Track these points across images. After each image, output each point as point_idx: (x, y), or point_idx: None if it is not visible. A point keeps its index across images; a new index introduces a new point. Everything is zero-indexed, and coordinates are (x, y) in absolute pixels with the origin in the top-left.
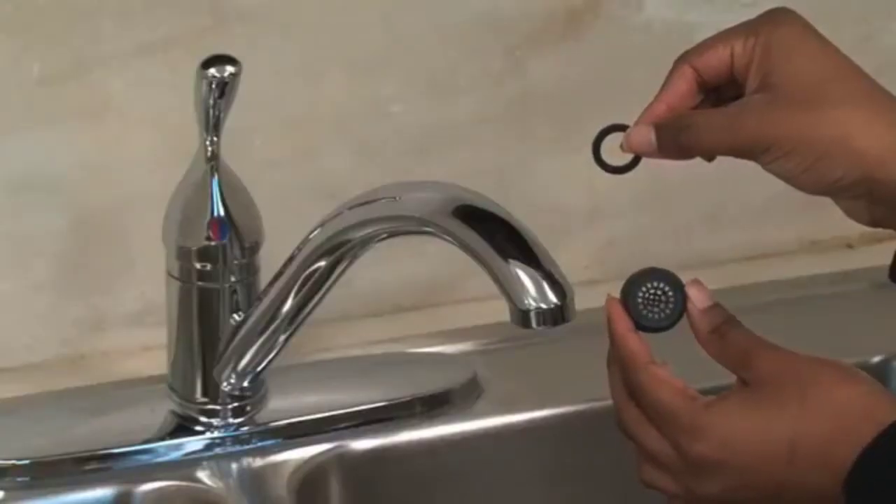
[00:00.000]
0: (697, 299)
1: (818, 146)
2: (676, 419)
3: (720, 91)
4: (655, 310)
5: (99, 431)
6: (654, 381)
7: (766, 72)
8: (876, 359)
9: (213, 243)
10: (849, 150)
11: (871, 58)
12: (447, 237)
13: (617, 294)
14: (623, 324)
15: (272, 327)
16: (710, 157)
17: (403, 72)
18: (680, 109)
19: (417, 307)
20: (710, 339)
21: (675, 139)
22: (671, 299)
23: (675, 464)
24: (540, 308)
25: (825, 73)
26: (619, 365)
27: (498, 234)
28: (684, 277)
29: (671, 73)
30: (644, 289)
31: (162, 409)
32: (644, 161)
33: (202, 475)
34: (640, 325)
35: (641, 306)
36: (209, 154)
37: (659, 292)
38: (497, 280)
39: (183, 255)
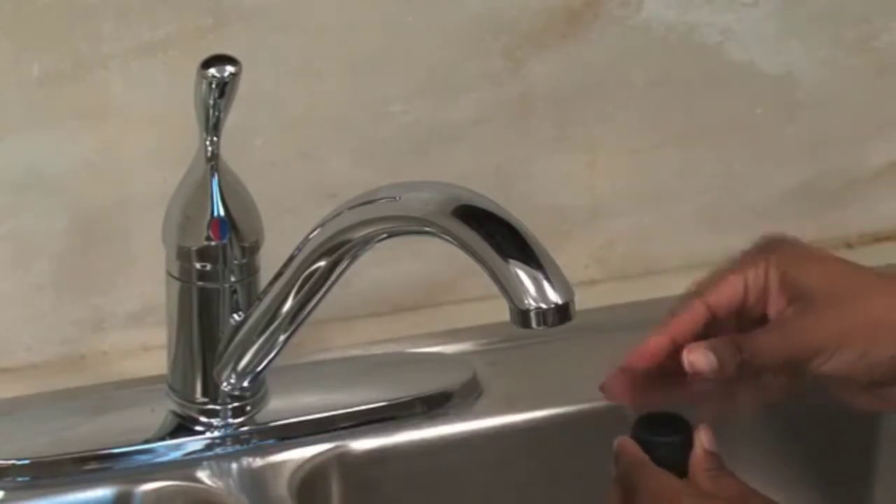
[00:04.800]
0: (706, 440)
1: (863, 332)
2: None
3: (741, 316)
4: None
5: (99, 431)
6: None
7: (790, 290)
8: None
9: (213, 243)
10: (892, 326)
11: (871, 58)
12: (447, 237)
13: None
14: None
15: (272, 327)
16: (764, 371)
17: (403, 72)
18: (682, 343)
19: (417, 307)
20: (706, 475)
21: (734, 359)
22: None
23: None
24: (540, 308)
25: (841, 275)
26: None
27: (498, 234)
28: (685, 277)
29: (681, 305)
30: (656, 432)
31: (162, 409)
32: (643, 159)
33: (202, 475)
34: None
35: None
36: (209, 154)
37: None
38: (497, 280)
39: (183, 255)
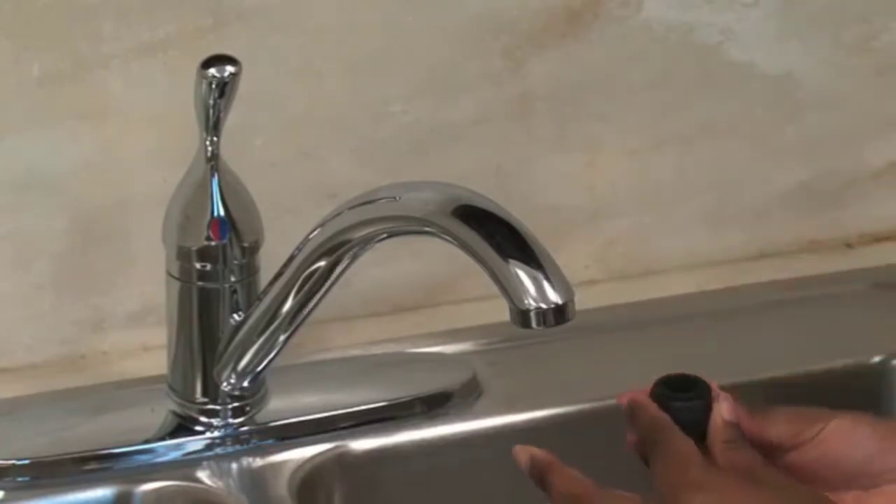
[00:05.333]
0: (726, 410)
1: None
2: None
3: None
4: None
5: (99, 431)
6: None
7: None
8: (876, 359)
9: (213, 243)
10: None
11: (871, 58)
12: (447, 237)
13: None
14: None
15: (272, 327)
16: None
17: (403, 72)
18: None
19: (417, 307)
20: (722, 447)
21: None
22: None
23: None
24: (540, 308)
25: None
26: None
27: (498, 234)
28: (685, 278)
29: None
30: (676, 394)
31: (162, 409)
32: (643, 159)
33: (202, 475)
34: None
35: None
36: (209, 154)
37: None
38: (497, 280)
39: (183, 255)
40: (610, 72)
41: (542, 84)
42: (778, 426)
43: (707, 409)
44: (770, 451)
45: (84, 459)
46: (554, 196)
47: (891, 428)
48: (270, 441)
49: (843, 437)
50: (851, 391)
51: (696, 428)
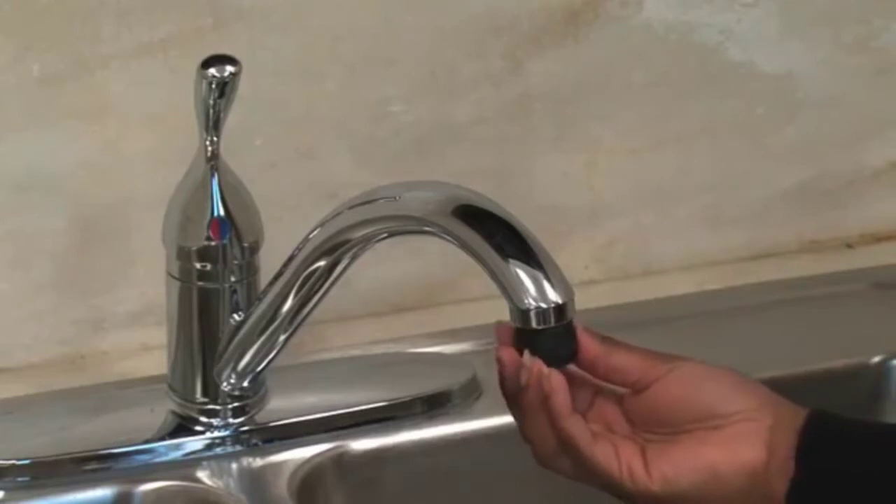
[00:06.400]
0: (582, 327)
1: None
2: None
3: None
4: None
5: (99, 431)
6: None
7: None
8: (875, 359)
9: (213, 243)
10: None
11: (871, 58)
12: (447, 237)
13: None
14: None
15: (272, 327)
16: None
17: (403, 72)
18: None
19: (417, 307)
20: (605, 348)
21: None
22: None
23: None
24: (540, 308)
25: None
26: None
27: (498, 234)
28: (685, 278)
29: None
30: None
31: (162, 409)
32: (643, 159)
33: (202, 475)
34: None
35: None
36: (209, 154)
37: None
38: (497, 280)
39: (183, 255)
40: (610, 72)
41: (542, 84)
42: (625, 355)
43: (569, 333)
44: (623, 391)
45: (84, 459)
46: (554, 196)
47: (743, 377)
48: (270, 441)
49: (696, 379)
50: (851, 391)
51: (561, 354)
